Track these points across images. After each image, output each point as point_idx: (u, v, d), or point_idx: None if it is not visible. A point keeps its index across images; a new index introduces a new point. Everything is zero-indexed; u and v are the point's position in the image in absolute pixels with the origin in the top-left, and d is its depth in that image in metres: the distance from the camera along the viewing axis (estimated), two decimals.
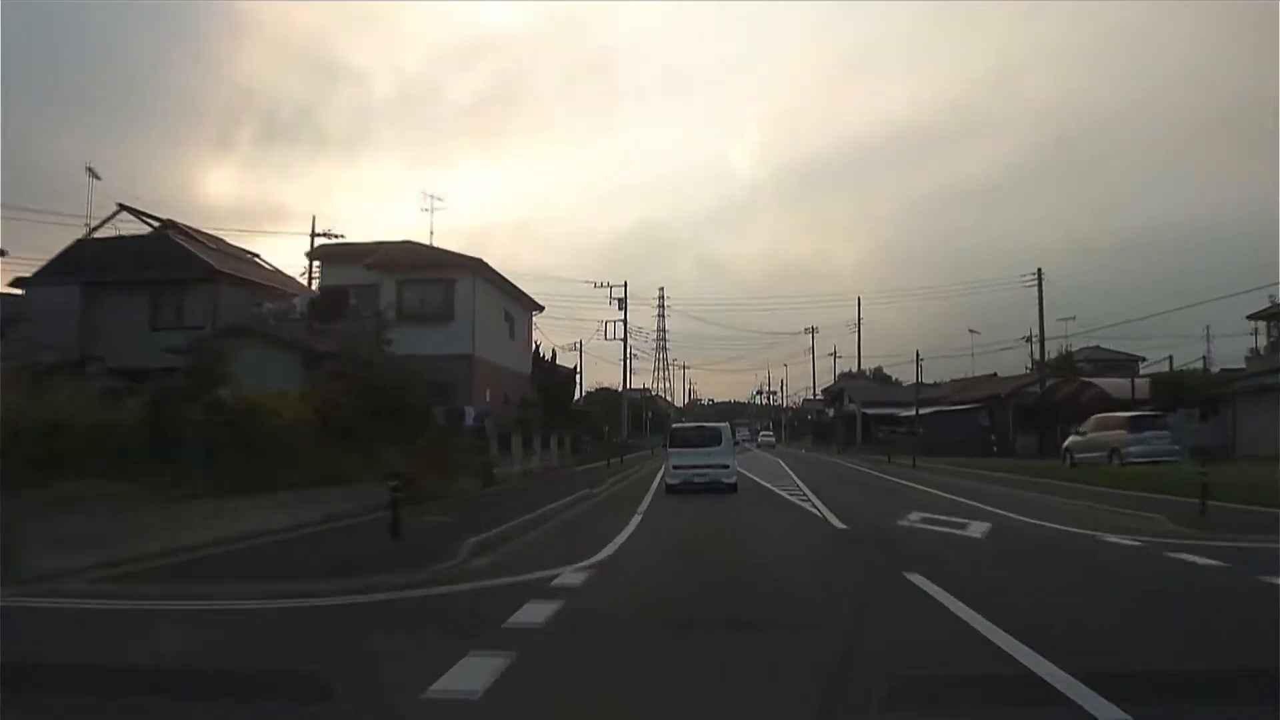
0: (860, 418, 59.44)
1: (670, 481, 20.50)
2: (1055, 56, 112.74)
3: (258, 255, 30.79)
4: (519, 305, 33.43)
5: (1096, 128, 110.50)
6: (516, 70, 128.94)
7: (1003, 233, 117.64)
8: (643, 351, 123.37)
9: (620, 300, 58.07)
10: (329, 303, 27.19)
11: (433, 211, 31.80)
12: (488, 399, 28.40)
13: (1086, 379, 45.66)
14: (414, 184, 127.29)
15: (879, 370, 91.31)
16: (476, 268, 28.04)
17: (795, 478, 26.61)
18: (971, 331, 55.81)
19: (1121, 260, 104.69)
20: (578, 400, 65.58)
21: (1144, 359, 50.63)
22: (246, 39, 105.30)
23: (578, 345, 70.75)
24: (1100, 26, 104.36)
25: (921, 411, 51.90)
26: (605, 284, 56.85)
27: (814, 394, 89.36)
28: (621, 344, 58.59)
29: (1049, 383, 45.09)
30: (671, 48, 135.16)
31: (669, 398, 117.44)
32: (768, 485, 23.39)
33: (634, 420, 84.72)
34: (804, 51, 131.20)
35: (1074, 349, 53.20)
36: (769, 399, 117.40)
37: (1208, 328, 55.47)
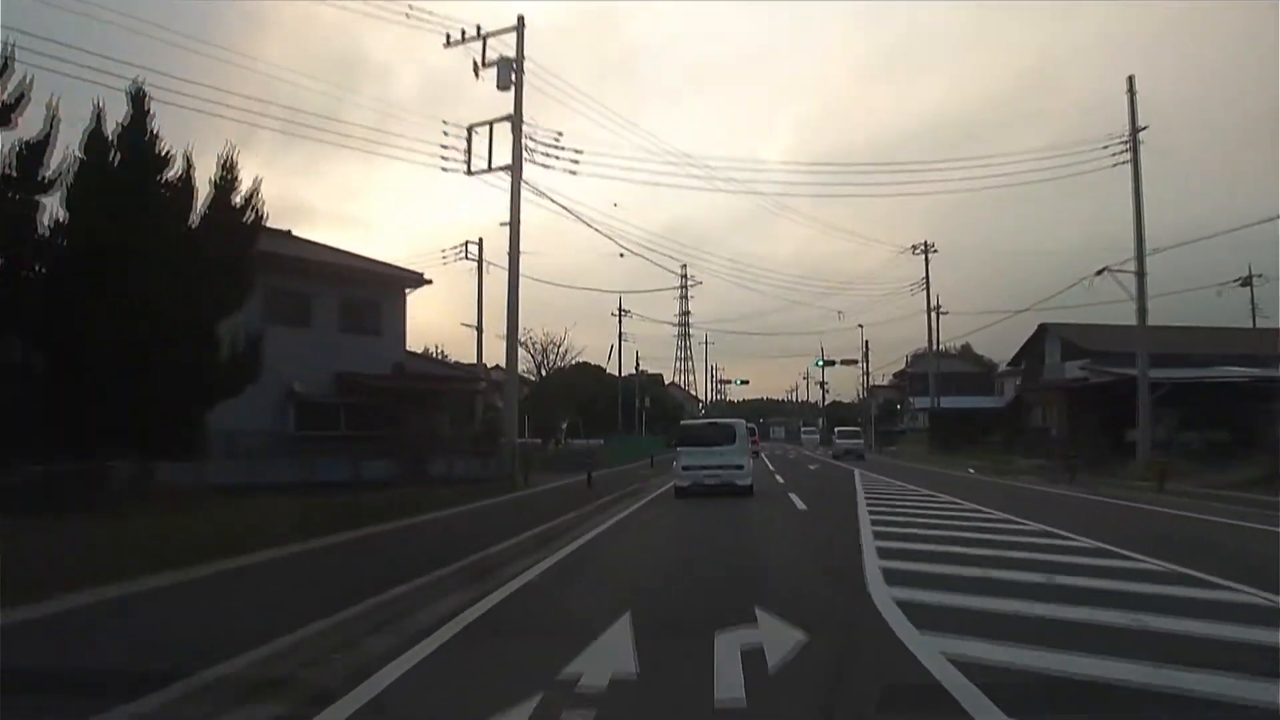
0: (1147, 390, 21.00)
1: (680, 484, 19.07)
2: None
3: None
4: None
5: None
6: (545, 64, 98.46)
7: None
8: (657, 320, 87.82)
9: (511, 124, 22.08)
10: None
11: None
12: None
13: None
14: (437, 183, 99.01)
15: (968, 348, 62.26)
16: None
17: None
18: None
19: None
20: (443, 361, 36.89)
21: None
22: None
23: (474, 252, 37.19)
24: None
25: None
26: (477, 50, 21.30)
27: (915, 358, 53.08)
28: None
29: None
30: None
31: (693, 391, 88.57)
32: None
33: (625, 413, 56.81)
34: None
35: None
36: (823, 383, 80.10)
37: None
